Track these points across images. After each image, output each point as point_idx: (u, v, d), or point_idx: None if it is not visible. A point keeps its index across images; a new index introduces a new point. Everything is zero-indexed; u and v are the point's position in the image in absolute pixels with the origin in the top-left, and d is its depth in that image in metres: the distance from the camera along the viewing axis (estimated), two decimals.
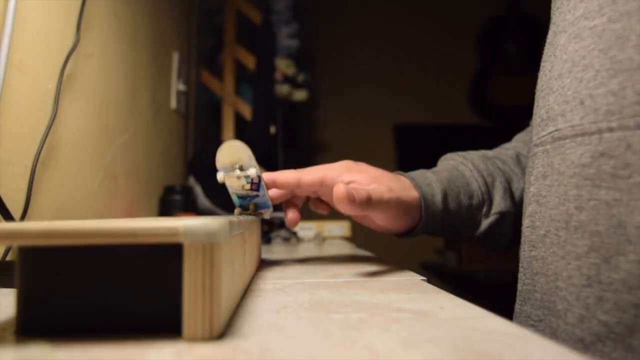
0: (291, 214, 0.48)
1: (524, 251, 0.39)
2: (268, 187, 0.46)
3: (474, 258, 1.74)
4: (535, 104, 0.40)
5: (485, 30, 2.30)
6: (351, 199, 0.37)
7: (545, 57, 0.39)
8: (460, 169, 0.49)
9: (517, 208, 0.49)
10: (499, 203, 0.48)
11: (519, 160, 0.52)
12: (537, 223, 0.37)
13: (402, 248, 2.14)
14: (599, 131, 0.31)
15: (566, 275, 0.32)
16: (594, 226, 0.31)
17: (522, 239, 0.40)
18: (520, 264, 0.40)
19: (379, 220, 0.44)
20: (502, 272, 1.67)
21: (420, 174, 0.49)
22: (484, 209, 0.48)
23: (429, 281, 0.37)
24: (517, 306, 0.40)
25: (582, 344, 0.31)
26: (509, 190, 0.49)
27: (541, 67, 0.40)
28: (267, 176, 0.45)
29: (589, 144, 0.32)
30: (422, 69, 2.28)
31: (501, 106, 2.17)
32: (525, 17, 2.24)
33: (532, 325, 0.37)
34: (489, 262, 1.73)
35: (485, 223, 0.48)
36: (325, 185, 0.45)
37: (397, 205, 0.42)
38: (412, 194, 0.45)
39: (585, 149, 0.32)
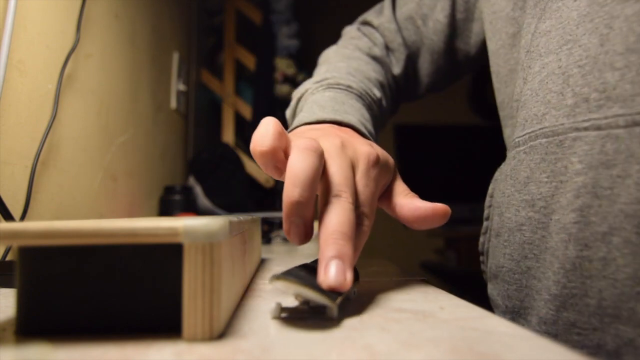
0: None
1: (567, 250, 0.34)
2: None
3: (474, 258, 1.74)
4: (559, 83, 0.35)
5: None
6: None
7: (579, 30, 0.34)
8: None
9: (497, 216, 0.47)
10: (485, 217, 0.49)
11: (501, 177, 0.51)
12: (594, 219, 0.32)
13: (402, 248, 2.14)
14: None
15: None
16: None
17: (562, 236, 0.35)
18: (554, 265, 0.35)
19: None
20: None
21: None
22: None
23: (429, 281, 0.37)
24: (546, 311, 0.36)
25: None
26: (491, 207, 0.49)
27: (571, 42, 0.35)
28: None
29: None
30: None
31: None
32: None
33: (579, 334, 0.33)
34: None
35: (481, 232, 0.50)
36: None
37: None
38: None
39: None
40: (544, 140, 0.37)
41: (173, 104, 1.20)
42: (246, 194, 1.24)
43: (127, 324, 0.21)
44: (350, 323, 0.23)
